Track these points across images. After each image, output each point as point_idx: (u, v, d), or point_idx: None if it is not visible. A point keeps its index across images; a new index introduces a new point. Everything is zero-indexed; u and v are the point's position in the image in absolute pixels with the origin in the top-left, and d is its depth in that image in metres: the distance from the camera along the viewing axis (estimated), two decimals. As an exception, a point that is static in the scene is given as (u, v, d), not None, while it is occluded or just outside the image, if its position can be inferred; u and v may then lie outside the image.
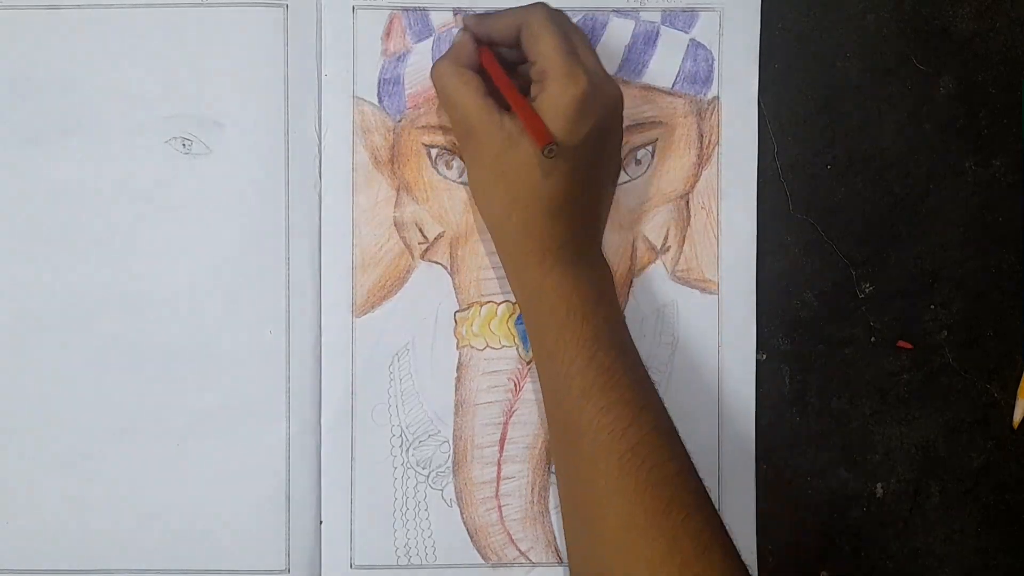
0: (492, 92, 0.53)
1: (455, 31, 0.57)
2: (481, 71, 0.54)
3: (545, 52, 0.51)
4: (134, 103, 0.57)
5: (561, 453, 0.53)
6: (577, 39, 0.53)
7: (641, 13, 0.58)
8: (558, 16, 0.53)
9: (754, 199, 0.58)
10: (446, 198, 0.58)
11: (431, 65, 0.56)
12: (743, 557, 0.49)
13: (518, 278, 0.54)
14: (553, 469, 0.58)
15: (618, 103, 0.54)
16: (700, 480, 0.51)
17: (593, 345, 0.51)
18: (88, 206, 0.58)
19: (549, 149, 0.50)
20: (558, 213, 0.52)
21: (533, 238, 0.52)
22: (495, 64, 0.53)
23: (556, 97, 0.51)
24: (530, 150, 0.51)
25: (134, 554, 0.58)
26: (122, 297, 0.58)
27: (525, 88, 0.53)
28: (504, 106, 0.52)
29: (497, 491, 0.58)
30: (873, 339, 0.59)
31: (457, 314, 0.58)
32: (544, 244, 0.52)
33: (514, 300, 0.58)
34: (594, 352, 0.51)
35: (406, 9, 0.57)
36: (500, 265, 0.57)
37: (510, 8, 0.55)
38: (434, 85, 0.54)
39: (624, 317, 0.54)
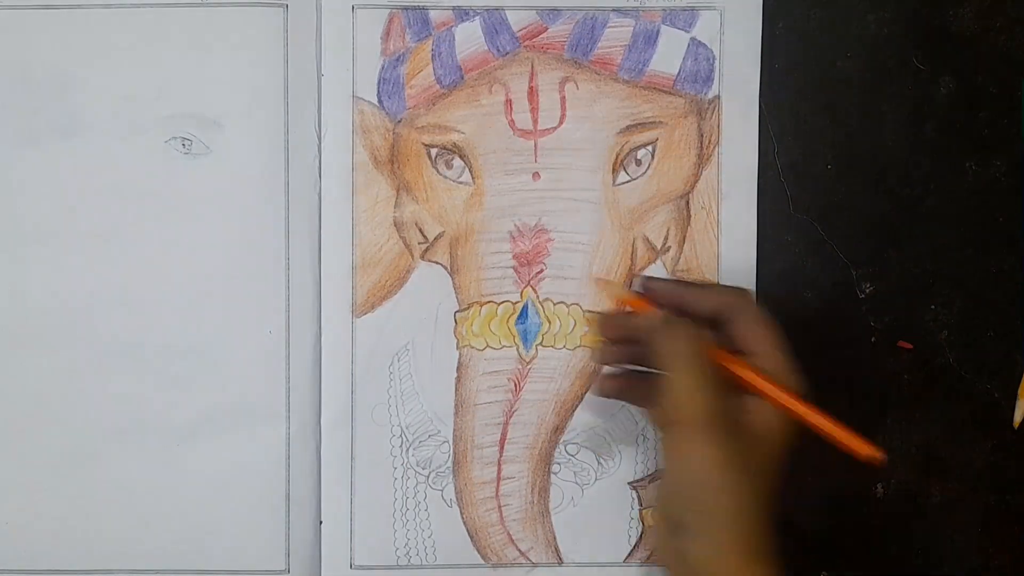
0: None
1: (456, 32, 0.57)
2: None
3: (769, 352, 0.49)
4: (134, 103, 0.57)
5: None
6: None
7: (641, 12, 0.58)
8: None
9: (754, 199, 0.58)
10: (446, 198, 0.58)
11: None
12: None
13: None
14: (554, 470, 0.58)
15: None
16: None
17: None
18: (88, 206, 0.58)
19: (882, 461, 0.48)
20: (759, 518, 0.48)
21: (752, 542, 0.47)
22: (746, 367, 0.49)
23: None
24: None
25: (134, 554, 0.58)
26: (122, 297, 0.58)
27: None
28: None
29: (497, 491, 0.58)
30: (873, 339, 0.59)
31: (457, 314, 0.58)
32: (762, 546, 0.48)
33: (514, 300, 0.58)
34: None
35: (405, 8, 0.57)
36: (499, 265, 0.57)
37: (712, 285, 0.52)
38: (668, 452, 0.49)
39: None
